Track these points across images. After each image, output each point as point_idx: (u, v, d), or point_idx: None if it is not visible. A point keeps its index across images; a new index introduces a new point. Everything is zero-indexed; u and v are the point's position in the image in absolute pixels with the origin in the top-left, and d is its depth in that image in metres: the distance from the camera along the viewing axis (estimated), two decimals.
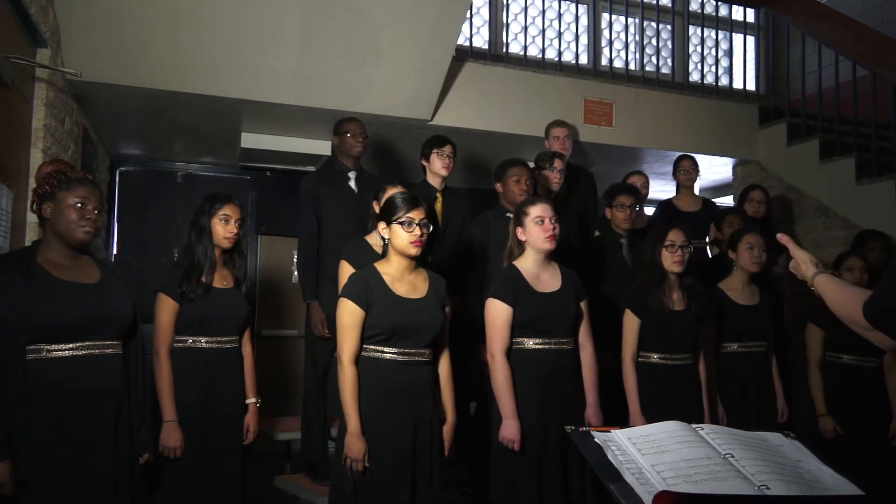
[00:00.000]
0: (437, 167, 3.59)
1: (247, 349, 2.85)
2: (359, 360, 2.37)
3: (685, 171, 4.48)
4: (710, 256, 4.39)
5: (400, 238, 2.38)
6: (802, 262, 1.65)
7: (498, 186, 3.44)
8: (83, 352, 2.07)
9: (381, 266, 2.45)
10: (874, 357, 3.23)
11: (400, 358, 2.37)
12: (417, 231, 2.37)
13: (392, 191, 2.72)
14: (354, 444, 2.28)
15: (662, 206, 4.58)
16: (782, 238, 1.72)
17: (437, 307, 2.46)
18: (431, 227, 2.43)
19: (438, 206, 3.60)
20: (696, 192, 6.10)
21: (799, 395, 3.52)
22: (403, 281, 2.44)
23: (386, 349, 2.37)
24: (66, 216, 2.07)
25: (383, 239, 2.45)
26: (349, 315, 2.35)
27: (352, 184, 3.61)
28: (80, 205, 2.08)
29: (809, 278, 1.61)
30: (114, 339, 2.16)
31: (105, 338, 2.12)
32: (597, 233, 3.89)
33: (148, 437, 2.31)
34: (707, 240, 4.42)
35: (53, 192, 2.08)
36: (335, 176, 3.64)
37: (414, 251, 2.39)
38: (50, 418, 1.99)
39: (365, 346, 2.38)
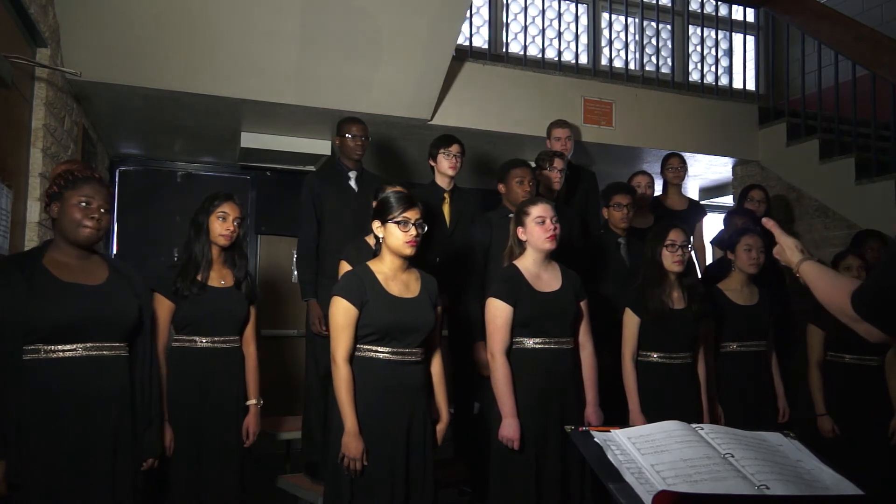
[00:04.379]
0: (444, 167, 3.58)
1: (250, 349, 2.84)
2: (352, 359, 2.36)
3: (673, 170, 4.48)
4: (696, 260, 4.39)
5: (395, 237, 2.37)
6: (787, 248, 1.60)
7: (501, 187, 3.44)
8: (82, 353, 2.05)
9: (374, 265, 2.44)
10: (876, 356, 3.24)
11: (393, 358, 2.37)
12: (413, 231, 2.36)
13: (390, 191, 2.72)
14: (352, 444, 2.28)
15: (649, 204, 4.57)
16: (767, 223, 1.67)
17: (429, 307, 2.45)
18: (427, 228, 2.42)
19: (446, 206, 3.59)
20: (697, 191, 6.15)
21: (798, 395, 3.52)
22: (397, 280, 2.43)
23: (379, 349, 2.36)
24: (69, 215, 2.07)
25: (377, 237, 2.44)
26: (343, 314, 2.34)
27: (352, 183, 3.60)
28: (84, 203, 2.08)
29: (795, 265, 1.56)
30: (115, 341, 2.13)
31: (106, 339, 2.10)
32: (602, 231, 3.89)
33: (151, 441, 2.26)
34: (691, 239, 4.40)
35: (60, 192, 2.09)
36: (336, 175, 3.64)
37: (409, 251, 2.38)
38: (45, 419, 1.98)
39: (358, 346, 2.37)
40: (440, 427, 2.52)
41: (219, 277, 2.75)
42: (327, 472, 2.44)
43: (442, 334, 3.66)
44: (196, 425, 2.62)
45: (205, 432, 2.64)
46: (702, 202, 5.28)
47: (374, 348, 2.37)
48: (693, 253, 4.38)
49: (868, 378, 3.25)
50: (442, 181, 3.62)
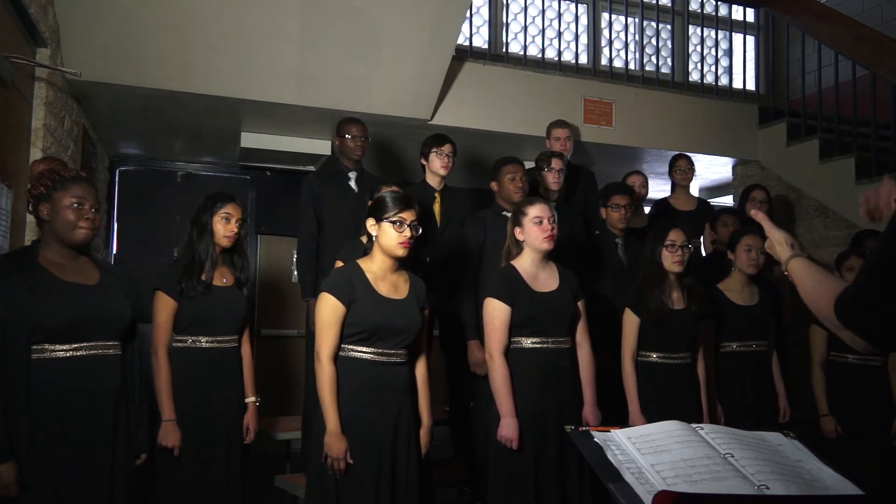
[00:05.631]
0: (436, 167, 3.57)
1: (246, 348, 2.85)
2: (336, 358, 2.34)
3: (681, 171, 4.48)
4: (704, 255, 4.39)
5: (389, 237, 2.35)
6: (777, 243, 1.50)
7: (493, 185, 3.44)
8: (83, 352, 2.06)
9: (364, 263, 2.42)
10: (879, 356, 3.23)
11: (377, 358, 2.35)
12: (408, 232, 2.34)
13: (387, 190, 2.71)
14: (335, 443, 2.26)
15: (658, 205, 4.58)
16: (756, 215, 1.58)
17: (416, 309, 2.44)
18: (421, 230, 2.41)
19: (437, 206, 3.59)
20: (696, 191, 6.15)
21: (798, 395, 3.52)
22: (386, 280, 2.41)
23: (364, 349, 2.34)
24: (63, 217, 2.06)
25: (370, 235, 2.41)
26: (330, 311, 2.31)
27: (352, 184, 3.61)
28: (76, 205, 2.06)
29: (784, 261, 1.46)
30: (113, 340, 2.16)
31: (105, 338, 2.12)
32: (597, 232, 3.89)
33: (144, 437, 2.30)
34: (701, 239, 4.41)
35: (49, 193, 2.06)
36: (336, 175, 3.64)
37: (401, 252, 2.36)
38: (50, 418, 1.99)
39: (342, 345, 2.35)
40: (422, 432, 2.50)
41: (220, 276, 2.76)
42: (309, 473, 2.41)
43: (433, 334, 3.68)
44: (200, 425, 2.63)
45: (210, 432, 2.65)
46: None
47: (359, 348, 2.34)
48: (703, 252, 4.39)
49: (871, 378, 3.25)
50: (433, 180, 3.61)
